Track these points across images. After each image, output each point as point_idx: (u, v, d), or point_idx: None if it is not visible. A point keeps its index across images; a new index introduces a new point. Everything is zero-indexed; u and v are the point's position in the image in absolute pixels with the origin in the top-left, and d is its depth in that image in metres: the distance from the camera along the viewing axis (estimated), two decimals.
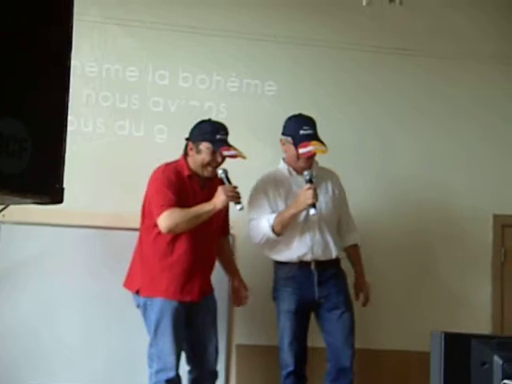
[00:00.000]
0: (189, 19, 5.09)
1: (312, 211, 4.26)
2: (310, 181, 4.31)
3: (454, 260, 5.31)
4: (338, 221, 4.60)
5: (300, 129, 4.40)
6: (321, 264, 4.45)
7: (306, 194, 4.29)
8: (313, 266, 4.43)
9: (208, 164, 4.31)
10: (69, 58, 2.15)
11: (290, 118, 4.50)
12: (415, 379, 4.48)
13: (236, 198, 4.22)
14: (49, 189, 2.11)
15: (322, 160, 4.55)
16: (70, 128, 2.22)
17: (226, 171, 4.29)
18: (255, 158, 4.79)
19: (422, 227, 5.28)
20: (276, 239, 4.38)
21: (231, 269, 4.65)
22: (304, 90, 5.21)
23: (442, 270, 5.28)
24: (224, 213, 4.51)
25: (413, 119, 5.38)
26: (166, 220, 4.21)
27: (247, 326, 4.70)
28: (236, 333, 4.68)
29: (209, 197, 4.26)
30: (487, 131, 5.48)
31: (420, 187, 5.33)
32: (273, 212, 4.41)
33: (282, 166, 4.55)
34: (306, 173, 4.35)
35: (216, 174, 4.32)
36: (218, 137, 4.29)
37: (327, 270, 4.47)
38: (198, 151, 4.32)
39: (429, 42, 5.42)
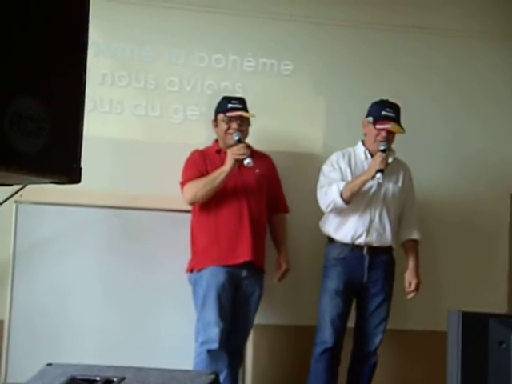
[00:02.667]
0: None
1: (378, 175, 4.27)
2: (384, 151, 4.34)
3: (471, 240, 5.28)
4: (401, 214, 4.61)
5: (382, 110, 4.46)
6: (373, 249, 4.47)
7: (376, 161, 4.32)
8: (365, 251, 4.46)
9: (226, 132, 4.44)
10: (86, 37, 2.14)
11: (376, 102, 4.55)
12: (433, 358, 4.47)
13: (242, 155, 4.28)
14: (66, 169, 2.10)
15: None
16: (86, 108, 2.22)
17: (239, 134, 4.39)
18: (271, 136, 4.80)
19: (440, 204, 5.23)
20: (342, 206, 4.37)
21: (279, 247, 4.68)
22: (320, 69, 5.18)
23: (459, 250, 5.24)
24: (275, 186, 4.62)
25: (421, 99, 5.31)
26: (185, 194, 4.40)
27: (264, 305, 4.69)
28: None
29: (241, 171, 4.41)
30: (505, 107, 5.42)
31: (437, 166, 5.30)
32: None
33: (360, 148, 4.58)
34: (382, 143, 4.39)
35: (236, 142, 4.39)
36: (230, 106, 4.45)
37: (379, 255, 4.50)
38: (217, 125, 4.51)
39: (461, 21, 5.36)
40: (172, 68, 5.04)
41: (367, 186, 4.42)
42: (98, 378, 2.60)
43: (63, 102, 2.09)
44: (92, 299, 4.69)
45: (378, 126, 4.43)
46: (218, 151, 4.52)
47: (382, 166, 4.28)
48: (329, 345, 4.41)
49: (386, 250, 4.54)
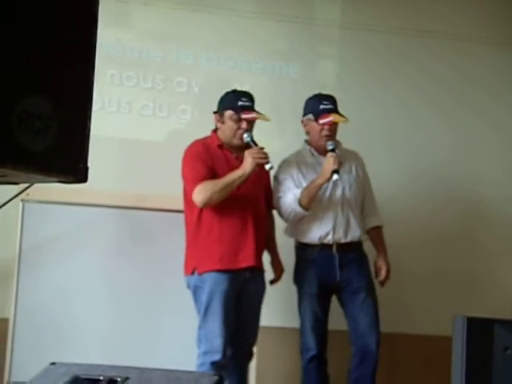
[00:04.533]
0: (214, 0, 5.08)
1: (335, 176, 4.22)
2: (333, 150, 4.29)
3: (479, 247, 5.28)
4: (362, 203, 4.58)
5: (320, 104, 4.39)
6: (342, 247, 4.42)
7: (328, 162, 4.27)
8: (334, 249, 4.41)
9: (234, 132, 4.27)
10: (94, 36, 2.15)
11: (310, 98, 4.49)
12: (438, 364, 4.46)
13: (263, 159, 4.14)
14: (73, 168, 2.10)
15: (346, 142, 4.53)
16: (94, 108, 2.22)
17: (251, 135, 4.23)
18: (278, 139, 4.80)
19: (447, 210, 5.25)
20: (303, 214, 4.34)
21: (270, 245, 4.58)
22: (328, 72, 5.19)
23: (466, 255, 5.24)
24: (266, 184, 4.48)
25: (440, 100, 5.34)
26: (199, 195, 4.17)
27: (268, 307, 4.69)
28: None
29: None
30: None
31: (446, 169, 5.30)
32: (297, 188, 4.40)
33: (304, 148, 4.53)
34: (328, 143, 4.33)
35: (247, 143, 4.26)
36: (240, 103, 4.24)
37: (349, 253, 4.44)
38: (223, 121, 4.30)
39: (461, 24, 5.37)
40: (180, 68, 5.05)
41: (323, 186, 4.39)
42: (101, 378, 2.60)
43: (71, 101, 2.09)
44: (97, 299, 4.69)
45: (321, 121, 4.35)
46: (220, 146, 4.33)
47: (335, 166, 4.21)
48: (314, 352, 4.38)
49: (355, 247, 4.48)
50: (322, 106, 4.38)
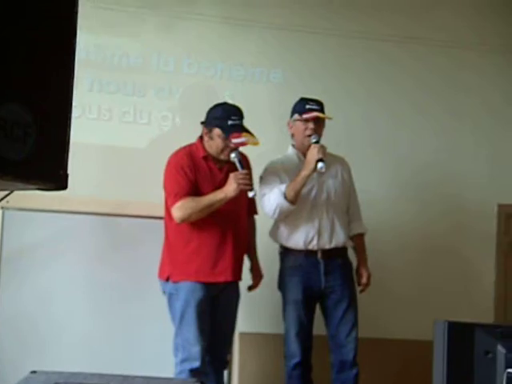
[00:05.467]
0: (195, 6, 5.09)
1: (320, 165, 4.20)
2: (317, 142, 4.30)
3: (458, 249, 5.31)
4: (347, 208, 4.58)
5: (306, 104, 4.41)
6: (327, 253, 4.41)
7: (312, 152, 4.26)
8: (319, 255, 4.41)
9: (222, 150, 4.23)
10: (73, 43, 2.14)
11: (297, 101, 4.50)
12: (419, 368, 4.47)
13: (247, 185, 4.13)
14: (53, 175, 2.10)
15: (331, 146, 4.53)
16: (74, 115, 2.21)
17: (238, 155, 4.19)
18: (261, 146, 4.80)
19: (427, 215, 5.27)
20: (288, 208, 4.30)
21: (250, 252, 4.56)
22: (310, 78, 5.20)
23: (446, 259, 5.27)
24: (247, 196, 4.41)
25: (425, 104, 5.37)
26: (178, 211, 4.15)
27: (250, 314, 4.69)
28: (239, 320, 4.66)
29: (227, 177, 4.19)
30: (499, 119, 5.47)
31: (429, 172, 5.34)
32: None
33: (291, 152, 4.53)
34: (312, 136, 4.33)
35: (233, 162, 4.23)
36: (230, 122, 4.17)
37: (334, 259, 4.43)
38: (211, 137, 4.25)
39: (442, 30, 5.41)
40: (161, 75, 5.04)
41: (308, 186, 4.37)
42: None
43: (50, 109, 2.08)
44: (78, 306, 4.68)
45: (304, 116, 4.37)
46: (205, 157, 4.29)
47: (320, 155, 4.21)
48: (297, 358, 4.37)
49: (341, 253, 4.48)
50: (307, 106, 4.41)
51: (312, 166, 4.24)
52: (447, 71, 5.43)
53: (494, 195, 5.39)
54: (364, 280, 4.51)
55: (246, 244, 4.44)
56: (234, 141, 4.16)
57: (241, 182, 4.11)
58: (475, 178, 5.40)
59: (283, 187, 4.31)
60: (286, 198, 4.29)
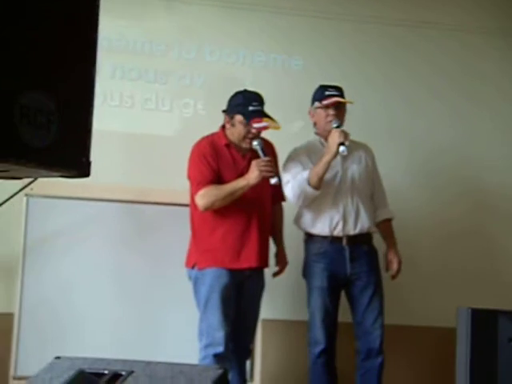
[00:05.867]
0: None
1: (341, 148, 4.19)
2: (338, 126, 4.29)
3: (483, 235, 5.28)
4: (372, 194, 4.56)
5: (325, 91, 4.41)
6: (352, 239, 4.40)
7: (333, 136, 4.25)
8: (344, 242, 4.39)
9: (244, 137, 4.24)
10: (96, 30, 2.14)
11: (316, 89, 4.49)
12: (444, 355, 4.46)
13: (269, 172, 4.13)
14: (75, 162, 2.10)
15: (350, 132, 4.53)
16: (96, 102, 2.22)
17: (261, 143, 4.20)
18: (283, 133, 4.80)
19: (452, 201, 5.24)
20: (313, 194, 4.29)
21: (276, 237, 4.58)
22: (331, 64, 5.18)
23: (472, 245, 5.24)
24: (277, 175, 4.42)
25: (443, 90, 5.33)
26: (201, 199, 4.18)
27: (273, 300, 4.70)
28: (262, 307, 4.67)
29: (250, 165, 4.19)
30: None
31: (448, 158, 5.31)
32: None
33: (314, 138, 4.52)
34: (333, 121, 4.32)
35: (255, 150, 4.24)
36: (251, 108, 4.19)
37: (359, 246, 4.42)
38: (233, 124, 4.27)
39: (460, 16, 5.37)
40: (182, 62, 5.04)
41: (332, 172, 4.37)
42: (106, 372, 2.61)
43: (73, 96, 2.09)
44: (101, 293, 4.70)
45: (324, 102, 4.37)
46: (227, 145, 4.31)
47: (342, 139, 4.20)
48: (322, 345, 4.36)
49: (366, 240, 4.47)
50: (326, 93, 4.40)
51: (334, 150, 4.22)
52: (462, 56, 5.39)
53: None
54: (395, 266, 4.49)
55: (270, 231, 4.44)
56: (256, 125, 4.17)
57: (263, 168, 4.11)
58: (493, 160, 5.36)
59: (306, 173, 4.30)
60: (309, 183, 4.28)
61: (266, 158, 4.16)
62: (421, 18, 5.32)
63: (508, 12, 5.45)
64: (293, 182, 4.36)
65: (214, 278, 4.21)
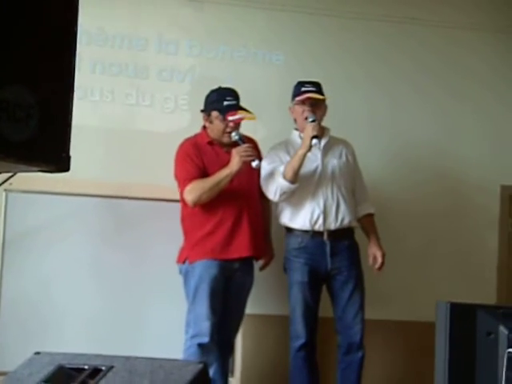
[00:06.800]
0: None
1: (314, 141, 4.24)
2: (313, 121, 4.31)
3: (461, 230, 5.30)
4: (352, 189, 4.58)
5: (302, 87, 4.45)
6: (333, 234, 4.41)
7: (307, 130, 4.29)
8: (325, 237, 4.41)
9: (223, 132, 4.34)
10: (75, 25, 2.14)
11: (294, 86, 4.52)
12: (423, 350, 4.48)
13: (250, 157, 4.21)
14: (55, 157, 2.10)
15: (332, 128, 4.56)
16: (76, 97, 2.21)
17: (239, 133, 4.31)
18: (263, 128, 4.82)
19: (431, 196, 5.25)
20: (289, 187, 4.30)
21: (265, 234, 4.61)
22: (311, 59, 5.18)
23: (450, 240, 5.26)
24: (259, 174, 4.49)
25: (425, 85, 5.33)
26: (189, 194, 4.27)
27: (254, 295, 4.70)
28: None
29: None
30: (501, 100, 5.44)
31: (429, 154, 5.31)
32: None
33: (294, 135, 4.54)
34: (309, 115, 4.35)
35: (235, 141, 4.32)
36: (226, 103, 4.32)
37: (340, 241, 4.44)
38: (211, 121, 4.39)
39: (443, 11, 5.38)
40: (163, 57, 5.03)
41: (313, 166, 4.41)
42: (86, 367, 2.61)
43: (52, 91, 2.09)
44: (81, 288, 4.68)
45: (297, 98, 4.43)
46: (210, 143, 4.41)
47: (315, 132, 4.24)
48: (303, 340, 4.38)
49: (347, 234, 4.49)
50: (302, 89, 4.44)
51: (307, 143, 4.27)
52: (445, 52, 5.39)
53: (496, 176, 5.37)
54: (379, 260, 4.51)
55: (261, 218, 4.51)
56: (231, 118, 4.29)
57: (243, 153, 4.21)
58: (477, 158, 5.37)
59: (282, 168, 4.32)
60: (284, 177, 4.30)
61: (246, 145, 4.25)
62: (403, 13, 5.31)
63: (491, 7, 5.46)
64: (268, 179, 4.38)
65: (203, 268, 4.28)
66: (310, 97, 4.41)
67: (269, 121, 4.97)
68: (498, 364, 2.85)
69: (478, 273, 5.27)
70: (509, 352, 2.73)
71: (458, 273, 5.21)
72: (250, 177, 4.37)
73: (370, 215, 4.64)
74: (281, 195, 4.37)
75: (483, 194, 5.35)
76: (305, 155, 4.29)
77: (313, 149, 4.33)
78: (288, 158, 4.39)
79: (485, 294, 5.09)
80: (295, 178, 4.31)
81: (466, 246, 5.31)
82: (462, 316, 2.97)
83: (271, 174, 4.37)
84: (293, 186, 4.32)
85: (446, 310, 2.97)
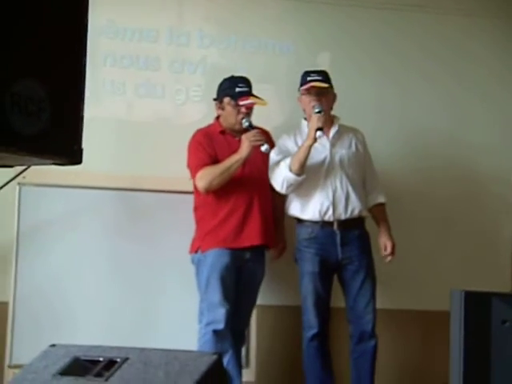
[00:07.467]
0: None
1: (318, 133, 4.24)
2: (319, 112, 4.30)
3: (474, 218, 5.28)
4: (364, 180, 4.58)
5: (307, 76, 4.46)
6: (343, 224, 4.41)
7: (312, 122, 4.30)
8: (335, 226, 4.40)
9: (235, 116, 4.39)
10: (86, 16, 2.14)
11: (302, 75, 4.52)
12: (437, 339, 4.47)
13: (259, 141, 4.25)
14: (67, 150, 2.10)
15: (341, 118, 4.55)
16: (88, 89, 2.21)
17: (249, 120, 4.35)
18: (275, 117, 4.82)
19: (444, 185, 5.23)
20: (295, 180, 4.30)
21: (277, 224, 4.64)
22: (321, 49, 5.17)
23: (463, 229, 5.24)
24: None
25: (434, 75, 5.31)
26: (200, 181, 4.32)
27: (267, 286, 4.70)
28: None
29: None
30: (509, 89, 5.41)
31: (442, 144, 5.29)
32: None
33: (303, 124, 4.54)
34: (315, 106, 4.34)
35: (246, 128, 4.36)
36: (238, 89, 4.37)
37: (350, 230, 4.44)
38: (223, 108, 4.44)
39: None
40: (174, 48, 5.02)
41: (321, 157, 4.41)
42: (101, 359, 2.62)
43: (64, 83, 2.09)
44: (95, 281, 4.70)
45: (302, 88, 4.45)
46: (222, 132, 4.47)
47: (319, 124, 4.24)
48: (315, 330, 4.39)
49: (357, 224, 4.49)
50: (308, 78, 4.45)
51: (312, 135, 4.27)
52: (453, 39, 5.36)
53: (508, 164, 5.35)
54: (388, 250, 4.51)
55: (271, 210, 4.53)
56: (242, 103, 4.34)
57: (252, 138, 4.26)
58: (487, 146, 5.35)
59: (288, 160, 4.33)
60: (290, 170, 4.30)
61: (255, 130, 4.30)
62: (414, 1, 5.29)
63: None
64: (275, 171, 4.38)
65: (215, 257, 4.32)
66: (314, 86, 4.41)
67: (280, 110, 4.97)
68: None
69: (492, 261, 5.25)
70: None
71: (471, 261, 5.19)
72: (261, 165, 4.42)
73: (381, 204, 4.62)
74: (288, 187, 4.37)
75: (496, 181, 5.33)
76: (310, 147, 4.28)
77: (321, 139, 4.33)
78: (296, 149, 4.39)
79: (499, 282, 5.07)
80: (301, 170, 4.31)
81: (480, 233, 5.29)
82: (477, 304, 2.96)
83: (278, 166, 4.37)
84: (299, 178, 4.32)
85: (460, 299, 2.95)
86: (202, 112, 4.91)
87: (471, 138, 5.33)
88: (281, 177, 4.35)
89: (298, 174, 4.31)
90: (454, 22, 5.34)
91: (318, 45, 5.20)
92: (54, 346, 2.77)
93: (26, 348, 4.37)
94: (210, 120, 4.59)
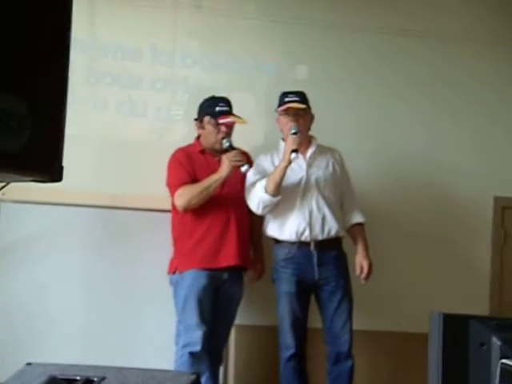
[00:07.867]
0: None
1: (293, 155, 4.24)
2: (295, 133, 4.30)
3: (454, 241, 5.30)
4: (341, 200, 4.59)
5: (285, 97, 4.48)
6: (320, 244, 4.41)
7: (288, 143, 4.31)
8: (312, 247, 4.41)
9: (215, 136, 4.40)
10: (69, 35, 2.14)
11: (280, 96, 4.53)
12: (415, 361, 4.48)
13: (239, 162, 4.27)
14: (48, 167, 2.10)
15: (321, 138, 4.56)
16: (70, 106, 2.21)
17: (229, 140, 4.37)
18: (253, 137, 4.83)
19: (422, 207, 5.25)
20: (271, 201, 4.30)
21: (257, 249, 4.68)
22: (303, 71, 5.19)
23: (442, 251, 5.26)
24: None
25: (414, 98, 5.34)
26: (179, 199, 4.33)
27: (246, 306, 4.70)
28: None
29: None
30: (491, 113, 5.44)
31: (421, 166, 5.31)
32: None
33: (281, 145, 4.52)
34: (292, 126, 4.34)
35: (226, 148, 4.37)
36: (218, 109, 4.39)
37: (327, 251, 4.43)
38: (203, 127, 4.46)
39: (432, 23, 5.39)
40: (156, 67, 5.02)
41: (297, 178, 4.41)
42: (78, 378, 2.60)
43: (45, 100, 2.08)
44: (74, 298, 4.68)
45: (279, 109, 4.46)
46: (202, 151, 4.48)
47: (294, 146, 4.25)
48: (292, 350, 4.38)
49: (334, 244, 4.48)
50: (286, 99, 4.47)
51: (287, 156, 4.28)
52: (435, 65, 5.38)
53: (488, 188, 5.38)
54: (365, 270, 4.49)
55: (248, 231, 4.53)
56: (222, 121, 4.36)
57: (232, 159, 4.27)
58: (468, 170, 5.37)
59: (263, 181, 4.33)
60: (266, 191, 4.31)
61: (235, 151, 4.31)
62: (397, 26, 5.32)
63: (484, 21, 5.48)
64: (251, 191, 4.39)
65: (192, 278, 4.30)
66: (291, 107, 4.43)
67: (259, 130, 4.98)
68: (491, 375, 2.85)
69: (470, 284, 5.26)
70: (501, 363, 2.73)
71: (450, 284, 5.19)
72: (239, 186, 4.41)
73: (359, 224, 4.62)
74: (263, 208, 4.38)
75: (474, 203, 5.35)
76: (286, 168, 4.29)
77: (298, 160, 4.35)
78: (273, 169, 4.40)
79: (477, 305, 5.08)
80: (277, 191, 4.31)
81: (458, 255, 5.30)
82: (455, 327, 2.98)
83: (254, 187, 4.37)
84: (275, 200, 4.33)
85: (439, 321, 2.97)
86: (182, 131, 4.91)
87: (449, 160, 5.35)
88: (257, 198, 4.35)
89: (274, 195, 4.31)
90: (435, 47, 5.37)
91: (298, 64, 5.22)
92: (30, 364, 2.75)
93: (2, 365, 4.32)
94: (190, 140, 4.60)
